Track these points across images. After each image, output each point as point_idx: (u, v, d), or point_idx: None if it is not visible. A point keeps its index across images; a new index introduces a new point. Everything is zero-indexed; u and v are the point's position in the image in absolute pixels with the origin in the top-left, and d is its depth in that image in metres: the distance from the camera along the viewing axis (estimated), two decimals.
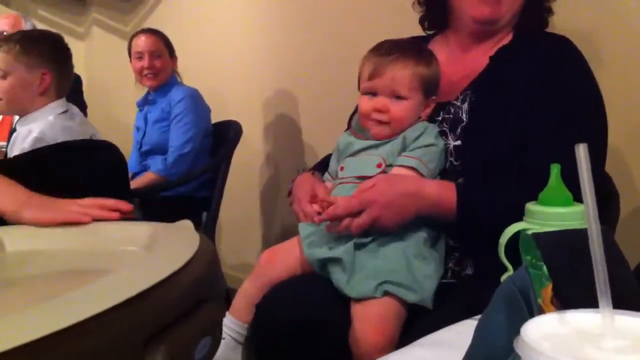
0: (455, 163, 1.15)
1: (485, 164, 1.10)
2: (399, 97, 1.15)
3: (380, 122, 1.16)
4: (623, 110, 1.47)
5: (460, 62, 1.25)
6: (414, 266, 1.06)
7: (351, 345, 1.03)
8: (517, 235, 0.83)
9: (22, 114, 1.90)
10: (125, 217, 0.98)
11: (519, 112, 1.10)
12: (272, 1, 2.77)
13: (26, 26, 3.09)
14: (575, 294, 0.43)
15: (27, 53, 1.89)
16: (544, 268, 0.46)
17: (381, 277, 1.04)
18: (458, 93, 1.19)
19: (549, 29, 1.28)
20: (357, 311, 1.04)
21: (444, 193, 1.07)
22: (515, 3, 1.19)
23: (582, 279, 0.41)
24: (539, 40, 1.18)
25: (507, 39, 1.23)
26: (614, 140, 1.50)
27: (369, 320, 1.03)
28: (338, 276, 1.08)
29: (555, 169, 0.79)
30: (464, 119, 1.16)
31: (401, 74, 1.14)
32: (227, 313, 1.19)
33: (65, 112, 1.91)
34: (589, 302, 0.39)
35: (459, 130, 1.15)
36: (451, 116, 1.18)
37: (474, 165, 1.12)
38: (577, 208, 0.78)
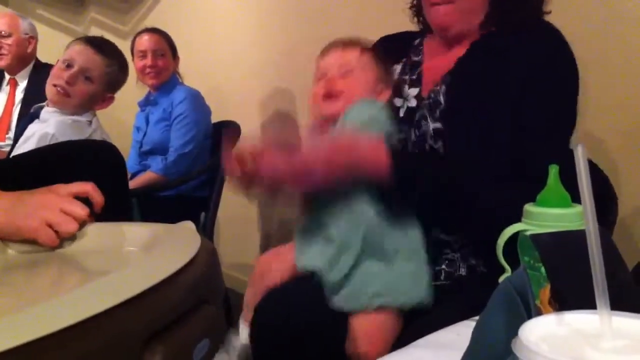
0: (435, 146, 1.15)
1: (465, 147, 1.10)
2: (347, 72, 1.16)
3: (329, 98, 1.16)
4: (621, 112, 1.48)
5: (443, 55, 1.25)
6: (399, 270, 1.05)
7: (348, 354, 1.03)
8: (515, 236, 0.83)
9: (67, 113, 1.91)
10: (95, 212, 0.94)
11: (496, 94, 1.10)
12: (271, 1, 2.78)
13: (23, 25, 3.09)
14: (573, 295, 0.43)
15: (117, 76, 1.96)
16: (542, 269, 0.47)
17: (372, 290, 1.04)
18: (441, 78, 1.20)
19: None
20: (353, 323, 1.04)
21: (377, 145, 1.05)
22: (473, 13, 1.18)
23: (580, 280, 0.41)
24: (522, 29, 1.17)
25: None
26: (611, 141, 1.51)
27: (366, 333, 1.03)
28: (328, 286, 1.07)
29: (553, 169, 0.80)
30: (442, 102, 1.16)
31: (348, 53, 1.17)
32: (240, 319, 1.21)
33: (89, 121, 1.94)
34: (587, 303, 0.39)
35: (437, 113, 1.16)
36: (430, 100, 1.18)
37: (455, 148, 1.12)
38: (575, 209, 0.78)
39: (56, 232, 0.87)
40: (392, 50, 1.31)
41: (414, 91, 1.25)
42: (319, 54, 1.23)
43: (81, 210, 0.89)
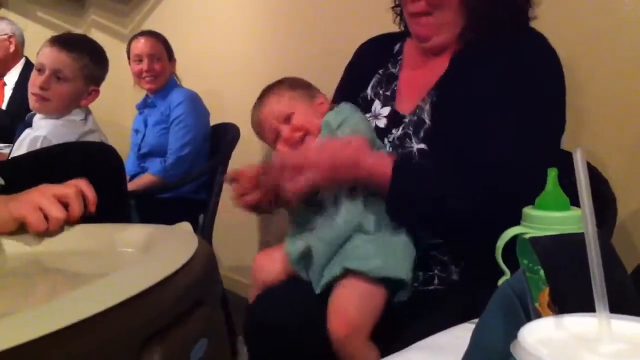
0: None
1: (453, 167, 1.09)
2: (288, 118, 1.21)
3: (298, 142, 1.19)
4: (618, 114, 1.48)
5: (425, 65, 1.23)
6: (381, 238, 1.07)
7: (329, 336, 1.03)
8: (514, 239, 0.83)
9: (55, 116, 1.90)
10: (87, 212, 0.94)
11: (481, 111, 1.08)
12: (270, 3, 2.78)
13: (2, 25, 3.08)
14: (572, 298, 0.43)
15: (92, 68, 1.91)
16: (541, 272, 0.47)
17: (344, 256, 1.06)
18: (423, 95, 1.18)
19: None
20: (330, 300, 1.04)
21: (379, 168, 1.06)
22: (452, 24, 1.17)
23: (579, 283, 0.41)
24: (505, 38, 1.15)
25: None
26: (609, 144, 1.51)
27: (331, 308, 1.03)
28: (311, 274, 1.10)
29: (552, 173, 0.80)
30: (427, 121, 1.14)
31: (269, 107, 1.24)
32: None
33: (82, 119, 1.92)
34: (586, 306, 0.39)
35: (422, 133, 1.14)
36: (415, 118, 1.17)
37: (443, 169, 1.10)
38: (574, 212, 0.78)
39: (46, 218, 0.86)
40: (372, 58, 1.31)
41: (385, 110, 1.23)
42: (253, 109, 1.28)
43: (72, 193, 0.89)
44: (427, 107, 1.15)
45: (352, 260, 1.04)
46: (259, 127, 1.26)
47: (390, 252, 1.05)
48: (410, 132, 1.16)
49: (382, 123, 1.22)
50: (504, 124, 1.06)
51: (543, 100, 1.09)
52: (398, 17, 1.33)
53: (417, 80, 1.22)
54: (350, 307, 1.02)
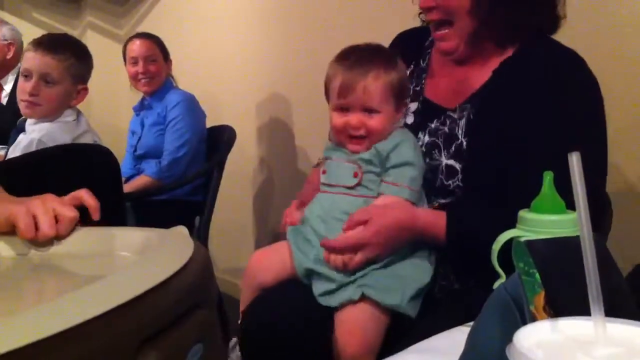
0: (445, 182, 1.13)
1: (483, 189, 1.09)
2: (372, 111, 1.11)
3: (357, 137, 1.13)
4: (616, 117, 1.48)
5: (461, 69, 1.21)
6: (399, 269, 1.07)
7: (334, 354, 1.04)
8: (509, 242, 0.83)
9: (47, 120, 1.89)
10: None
11: (519, 134, 1.07)
12: (266, 6, 2.78)
13: (2, 31, 3.07)
14: (567, 301, 0.43)
15: (78, 66, 1.90)
16: (537, 275, 0.47)
17: (361, 281, 1.06)
18: (456, 103, 1.16)
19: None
20: (337, 318, 1.05)
21: (435, 222, 1.07)
22: (472, 33, 1.14)
23: (575, 287, 0.41)
24: (545, 55, 1.12)
25: (510, 52, 1.17)
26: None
27: (347, 326, 1.04)
28: (320, 286, 1.08)
29: (547, 177, 0.80)
30: (460, 137, 1.13)
31: (373, 88, 1.10)
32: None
33: (74, 120, 1.91)
34: (582, 309, 0.39)
35: (452, 148, 1.13)
36: (446, 130, 1.15)
37: (473, 190, 1.10)
38: (570, 216, 0.78)
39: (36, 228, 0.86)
40: (406, 52, 1.28)
41: (413, 105, 1.23)
42: (335, 63, 1.15)
43: (70, 213, 0.88)
44: (462, 122, 1.14)
45: (371, 289, 1.04)
46: (344, 88, 1.11)
47: (408, 288, 1.06)
48: (440, 143, 1.16)
49: (410, 120, 1.22)
50: (546, 156, 1.04)
51: (587, 130, 1.08)
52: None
53: (440, 83, 1.22)
54: (366, 329, 1.03)
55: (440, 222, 1.07)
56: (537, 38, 1.15)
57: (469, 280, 1.11)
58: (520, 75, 1.12)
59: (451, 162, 1.13)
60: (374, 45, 1.18)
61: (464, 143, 1.13)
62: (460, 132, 1.14)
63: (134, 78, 2.61)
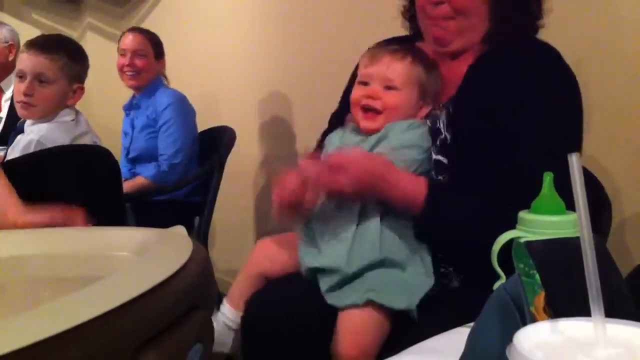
0: (436, 178, 1.13)
1: (470, 181, 1.08)
2: (391, 88, 1.13)
3: (370, 111, 1.13)
4: (614, 119, 1.48)
5: (444, 64, 1.21)
6: (406, 273, 1.07)
7: (334, 352, 1.03)
8: (509, 243, 0.83)
9: (45, 120, 1.89)
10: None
11: (498, 126, 1.07)
12: (266, 5, 2.78)
13: (3, 33, 3.07)
14: (567, 302, 0.43)
15: (72, 66, 1.89)
16: (537, 276, 0.47)
17: (369, 285, 1.05)
18: (445, 98, 1.17)
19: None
20: (340, 320, 1.05)
21: (413, 186, 1.05)
22: (473, 30, 1.16)
23: (575, 287, 0.41)
24: (521, 50, 1.14)
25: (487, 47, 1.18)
26: (605, 149, 1.51)
27: (349, 327, 1.03)
28: (326, 280, 1.08)
29: (547, 177, 0.80)
30: (442, 131, 1.14)
31: (397, 65, 1.13)
32: (224, 298, 1.20)
33: (72, 120, 1.91)
34: (582, 310, 0.39)
35: (438, 143, 1.14)
36: (429, 124, 1.16)
37: (459, 182, 1.10)
38: (570, 216, 0.78)
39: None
40: None
41: None
42: (367, 53, 1.18)
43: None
44: (442, 116, 1.15)
45: (379, 294, 1.03)
46: (371, 59, 1.15)
47: (414, 291, 1.06)
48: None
49: None
50: (524, 142, 1.06)
51: (562, 118, 1.09)
52: (408, 23, 1.30)
53: None
54: (367, 333, 1.03)
55: (419, 186, 1.06)
56: (513, 31, 1.17)
57: (468, 279, 1.11)
58: (495, 68, 1.13)
59: (439, 157, 1.13)
60: (417, 47, 1.20)
61: (448, 137, 1.13)
62: (442, 126, 1.14)
63: (120, 70, 2.61)
